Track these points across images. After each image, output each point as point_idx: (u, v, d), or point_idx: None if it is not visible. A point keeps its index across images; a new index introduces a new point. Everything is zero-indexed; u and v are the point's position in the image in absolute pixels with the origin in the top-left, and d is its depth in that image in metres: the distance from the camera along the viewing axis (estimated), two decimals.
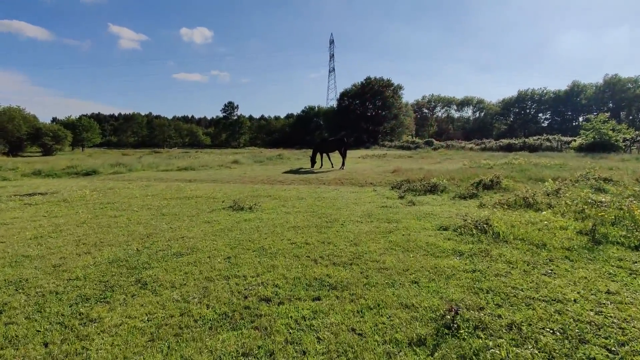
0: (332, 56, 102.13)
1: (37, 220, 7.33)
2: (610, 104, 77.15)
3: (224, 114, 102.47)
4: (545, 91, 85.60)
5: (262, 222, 7.04)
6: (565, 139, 34.45)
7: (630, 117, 74.06)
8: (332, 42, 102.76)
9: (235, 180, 15.09)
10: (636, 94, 70.91)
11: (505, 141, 39.64)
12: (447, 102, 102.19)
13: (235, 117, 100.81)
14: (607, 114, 27.57)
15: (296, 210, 8.28)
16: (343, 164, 20.01)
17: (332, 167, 20.14)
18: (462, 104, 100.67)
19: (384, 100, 71.67)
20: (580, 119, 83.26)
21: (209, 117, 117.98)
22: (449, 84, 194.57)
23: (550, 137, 35.73)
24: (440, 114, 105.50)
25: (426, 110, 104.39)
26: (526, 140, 35.81)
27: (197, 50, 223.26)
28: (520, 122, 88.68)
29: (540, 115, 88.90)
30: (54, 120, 74.33)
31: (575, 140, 30.67)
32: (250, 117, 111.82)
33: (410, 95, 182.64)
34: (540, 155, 25.75)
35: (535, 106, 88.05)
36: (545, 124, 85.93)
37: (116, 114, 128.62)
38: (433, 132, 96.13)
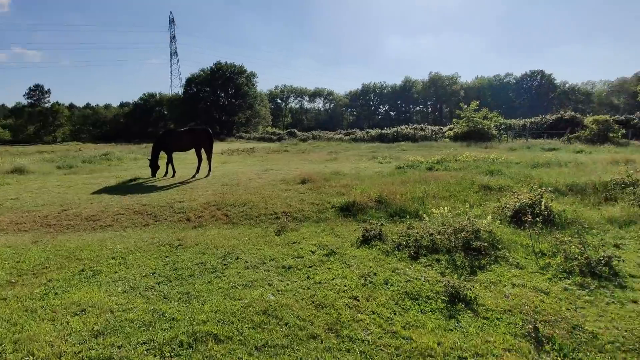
0: (173, 37, 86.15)
1: None
2: (434, 98, 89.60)
3: (31, 101, 74.55)
4: (384, 85, 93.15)
5: None
6: (435, 128, 34.49)
7: (447, 109, 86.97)
8: (172, 21, 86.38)
9: None
10: (453, 90, 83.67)
11: (375, 131, 37.81)
12: (300, 93, 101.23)
13: (48, 105, 74.10)
14: (477, 102, 27.50)
15: None
16: (210, 168, 12.14)
17: (196, 175, 11.81)
18: (314, 95, 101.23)
19: (238, 88, 63.85)
20: (412, 110, 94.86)
21: (9, 106, 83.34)
22: (300, 76, 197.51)
23: (421, 126, 35.42)
24: (293, 105, 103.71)
25: (280, 101, 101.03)
26: (399, 129, 34.47)
27: None
28: (366, 114, 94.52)
29: (381, 107, 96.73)
30: None
31: (450, 130, 30.27)
32: (72, 106, 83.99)
33: (263, 85, 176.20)
34: (427, 146, 23.58)
35: (377, 99, 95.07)
36: (385, 115, 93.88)
37: None
38: (288, 123, 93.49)
